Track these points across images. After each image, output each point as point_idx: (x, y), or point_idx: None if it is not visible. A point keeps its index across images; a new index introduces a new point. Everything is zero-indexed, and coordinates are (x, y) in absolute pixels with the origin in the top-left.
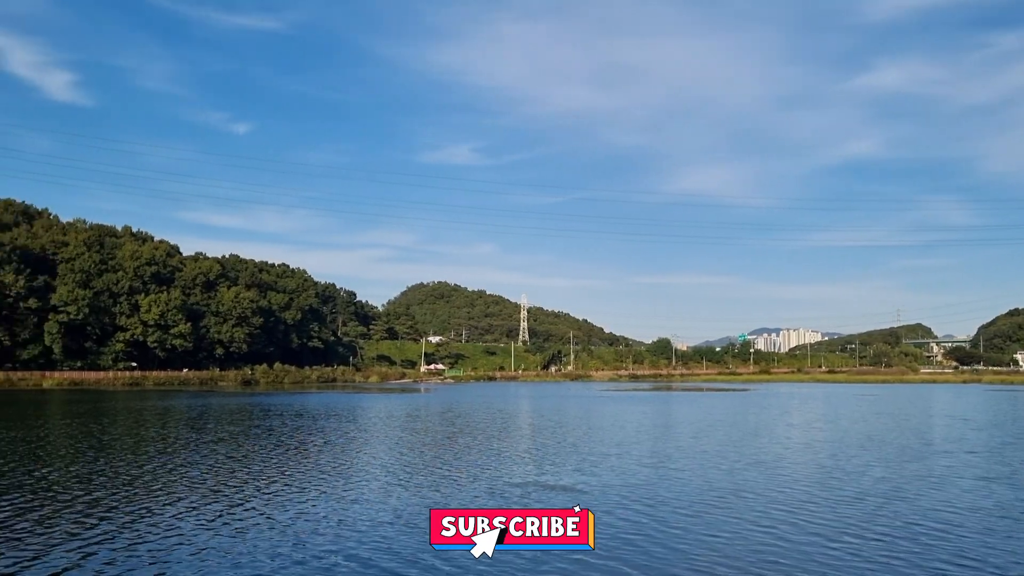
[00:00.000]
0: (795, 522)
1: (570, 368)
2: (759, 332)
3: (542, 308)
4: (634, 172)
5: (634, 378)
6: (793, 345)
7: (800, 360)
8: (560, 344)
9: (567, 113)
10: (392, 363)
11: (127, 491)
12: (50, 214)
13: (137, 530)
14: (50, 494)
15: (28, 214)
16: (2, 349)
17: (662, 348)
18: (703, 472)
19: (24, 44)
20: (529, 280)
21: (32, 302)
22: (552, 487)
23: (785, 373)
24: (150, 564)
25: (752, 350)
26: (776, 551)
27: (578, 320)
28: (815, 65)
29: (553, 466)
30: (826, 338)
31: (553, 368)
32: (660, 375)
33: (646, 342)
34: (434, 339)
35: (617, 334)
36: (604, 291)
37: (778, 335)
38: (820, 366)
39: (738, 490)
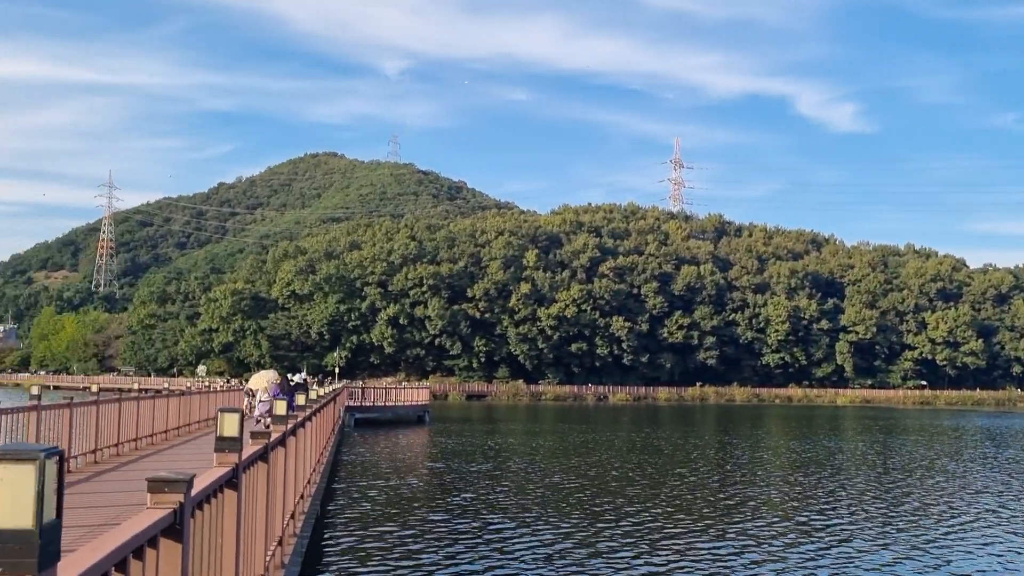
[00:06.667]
0: None
1: None
2: None
3: None
4: None
5: None
6: None
7: None
8: None
9: None
10: None
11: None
12: (836, 239)
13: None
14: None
15: (816, 242)
16: (799, 368)
17: None
18: None
19: (811, 87)
20: None
21: (824, 323)
22: None
23: None
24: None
25: None
26: None
27: None
28: None
29: None
30: None
31: None
32: None
33: None
34: None
35: None
36: None
37: None
38: None
39: None
